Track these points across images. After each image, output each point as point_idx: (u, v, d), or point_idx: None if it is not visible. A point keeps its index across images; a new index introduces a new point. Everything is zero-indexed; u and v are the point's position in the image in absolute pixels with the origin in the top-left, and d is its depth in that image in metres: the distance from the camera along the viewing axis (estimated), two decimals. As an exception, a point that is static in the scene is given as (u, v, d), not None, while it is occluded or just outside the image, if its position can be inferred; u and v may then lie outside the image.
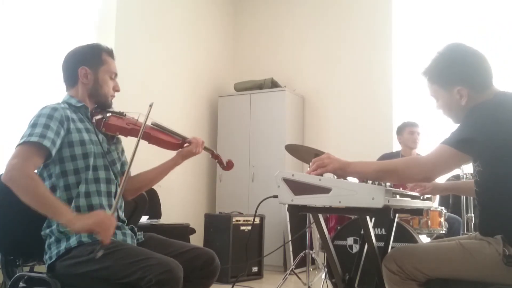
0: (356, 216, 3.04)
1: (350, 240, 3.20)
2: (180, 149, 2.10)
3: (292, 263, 4.09)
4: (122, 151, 2.09)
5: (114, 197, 1.90)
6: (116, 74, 2.01)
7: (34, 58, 3.88)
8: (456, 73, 1.80)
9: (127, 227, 1.94)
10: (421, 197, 2.15)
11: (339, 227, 3.33)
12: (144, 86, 4.69)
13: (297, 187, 1.59)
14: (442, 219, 3.32)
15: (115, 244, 1.73)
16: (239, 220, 4.47)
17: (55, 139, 1.75)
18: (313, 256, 4.09)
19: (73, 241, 1.74)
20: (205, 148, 2.17)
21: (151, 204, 4.16)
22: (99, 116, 1.93)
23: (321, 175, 1.65)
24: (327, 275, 3.35)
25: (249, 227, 4.48)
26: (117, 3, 4.50)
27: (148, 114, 1.92)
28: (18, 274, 1.76)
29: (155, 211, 4.34)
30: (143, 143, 1.92)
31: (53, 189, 1.81)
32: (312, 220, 3.62)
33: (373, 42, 5.32)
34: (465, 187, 2.40)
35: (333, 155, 1.73)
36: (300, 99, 5.64)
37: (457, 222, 3.71)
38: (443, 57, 1.85)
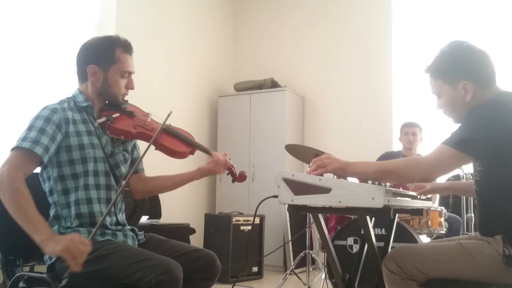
0: (356, 216, 3.04)
1: (350, 240, 3.20)
2: (201, 166, 2.03)
3: (292, 263, 4.09)
4: (133, 148, 2.03)
5: (114, 205, 1.86)
6: (130, 72, 1.91)
7: (34, 58, 3.88)
8: (462, 67, 1.79)
9: (128, 228, 1.93)
10: (421, 197, 2.15)
11: (339, 227, 3.32)
12: (144, 86, 4.69)
13: (297, 187, 1.59)
14: (442, 219, 3.32)
15: (115, 245, 1.73)
16: (239, 220, 4.47)
17: (49, 145, 1.70)
18: (313, 256, 4.09)
19: None
20: (230, 170, 2.08)
21: (151, 204, 4.16)
22: (103, 119, 1.85)
23: (321, 175, 1.65)
24: (327, 275, 3.35)
25: (249, 227, 4.48)
26: (117, 3, 4.50)
27: (164, 123, 1.87)
28: (18, 274, 1.76)
29: (155, 211, 4.34)
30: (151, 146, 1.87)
31: (51, 192, 1.80)
32: (312, 220, 3.62)
33: (373, 42, 5.32)
34: (465, 187, 2.39)
35: (333, 155, 1.74)
36: (300, 99, 5.64)
37: (457, 222, 3.71)
38: (448, 53, 1.83)
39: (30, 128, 1.73)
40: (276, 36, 5.95)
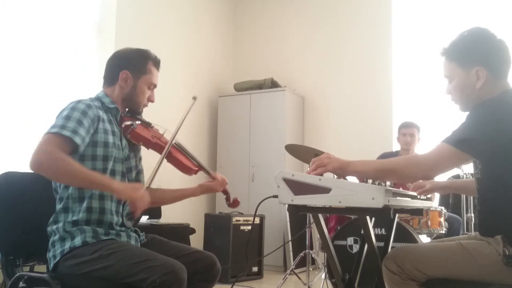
0: (356, 216, 3.04)
1: (350, 240, 3.20)
2: (202, 183, 2.14)
3: (292, 263, 4.09)
4: (140, 159, 2.09)
5: (123, 205, 1.91)
6: (155, 86, 2.03)
7: (34, 58, 3.88)
8: (478, 53, 1.76)
9: (132, 229, 1.95)
10: (421, 197, 2.15)
11: (339, 227, 3.32)
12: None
13: (297, 187, 1.59)
14: (442, 219, 3.32)
15: (118, 245, 1.74)
16: (239, 220, 4.47)
17: (85, 137, 1.76)
18: (313, 256, 4.09)
19: (77, 241, 1.74)
20: (224, 191, 2.20)
21: (151, 204, 4.15)
22: (128, 122, 1.93)
23: (321, 175, 1.65)
24: (327, 275, 3.35)
25: (249, 227, 4.48)
26: (117, 3, 4.50)
27: (176, 133, 1.97)
28: (18, 274, 1.76)
29: (155, 211, 4.34)
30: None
31: (67, 185, 1.81)
32: (312, 220, 3.62)
33: (373, 42, 5.32)
34: (464, 185, 2.38)
35: (332, 155, 1.73)
36: (300, 99, 5.64)
37: (457, 222, 3.71)
38: (467, 37, 1.80)
39: (67, 117, 1.75)
40: (276, 36, 5.96)
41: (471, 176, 3.39)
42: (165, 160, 1.96)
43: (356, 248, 3.13)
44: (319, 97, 5.60)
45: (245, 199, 5.27)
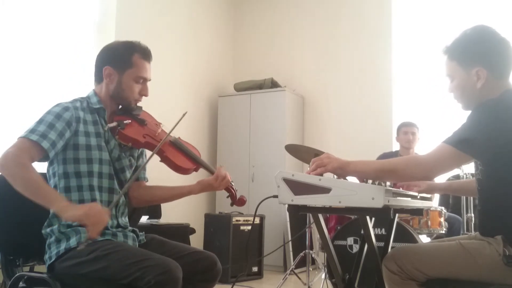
0: (356, 216, 3.04)
1: (350, 240, 3.20)
2: (201, 180, 2.01)
3: (292, 263, 4.09)
4: (140, 155, 2.04)
5: (115, 207, 1.88)
6: (145, 79, 1.92)
7: (34, 58, 3.88)
8: (479, 52, 1.75)
9: (129, 229, 1.93)
10: (419, 197, 2.15)
11: (339, 227, 3.32)
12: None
13: (297, 187, 1.59)
14: (442, 219, 3.32)
15: (114, 245, 1.73)
16: (239, 220, 4.46)
17: (57, 141, 1.71)
18: (313, 256, 4.09)
19: (72, 242, 1.73)
20: (227, 189, 2.06)
21: (151, 204, 4.16)
22: (114, 124, 1.86)
23: (321, 174, 1.65)
24: (327, 275, 3.35)
25: (249, 227, 4.48)
26: (117, 3, 4.50)
27: (168, 134, 1.89)
28: (18, 274, 1.76)
29: (155, 211, 4.34)
30: (156, 157, 1.89)
31: (54, 188, 1.80)
32: (312, 220, 3.62)
33: (373, 42, 5.32)
34: (463, 186, 2.36)
35: (332, 155, 1.73)
36: (300, 99, 5.64)
37: (457, 222, 3.71)
38: (469, 36, 1.79)
39: (40, 121, 1.73)
40: (276, 36, 5.95)
41: (471, 176, 3.39)
42: (158, 158, 1.91)
43: (356, 248, 3.13)
44: (319, 97, 5.60)
45: (245, 199, 5.27)
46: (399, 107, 5.16)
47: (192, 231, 4.31)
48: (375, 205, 1.48)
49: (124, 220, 1.95)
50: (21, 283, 1.73)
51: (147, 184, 2.10)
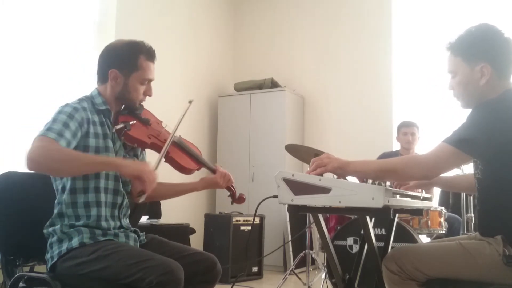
0: (356, 216, 3.04)
1: (350, 240, 3.20)
2: (204, 177, 2.07)
3: (292, 263, 4.09)
4: (140, 152, 2.05)
5: (119, 209, 1.89)
6: (150, 80, 1.93)
7: (34, 58, 3.87)
8: (485, 49, 1.75)
9: (131, 229, 1.94)
10: (421, 197, 2.15)
11: (339, 227, 3.32)
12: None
13: (297, 187, 1.59)
14: (442, 219, 3.32)
15: (116, 245, 1.73)
16: (239, 220, 4.46)
17: (71, 141, 1.70)
18: (313, 256, 4.09)
19: (74, 242, 1.73)
20: (229, 187, 2.12)
21: (151, 204, 4.16)
22: (120, 125, 1.87)
23: (321, 174, 1.65)
24: (327, 275, 3.35)
25: (249, 227, 4.48)
26: (117, 3, 4.50)
27: (172, 136, 1.91)
28: (18, 274, 1.76)
29: (155, 211, 4.34)
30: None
31: (63, 189, 1.80)
32: (312, 220, 3.62)
33: (373, 42, 5.32)
34: (451, 180, 2.27)
35: (332, 155, 1.73)
36: (300, 99, 5.64)
37: (457, 222, 3.71)
38: (474, 33, 1.79)
39: (54, 120, 1.71)
40: (276, 36, 5.95)
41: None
42: (163, 159, 1.93)
43: (356, 248, 3.13)
44: (319, 97, 5.60)
45: (245, 199, 5.27)
46: (399, 107, 5.16)
47: (192, 231, 4.31)
48: (375, 205, 1.48)
49: (126, 221, 1.96)
50: (21, 283, 1.73)
51: None
